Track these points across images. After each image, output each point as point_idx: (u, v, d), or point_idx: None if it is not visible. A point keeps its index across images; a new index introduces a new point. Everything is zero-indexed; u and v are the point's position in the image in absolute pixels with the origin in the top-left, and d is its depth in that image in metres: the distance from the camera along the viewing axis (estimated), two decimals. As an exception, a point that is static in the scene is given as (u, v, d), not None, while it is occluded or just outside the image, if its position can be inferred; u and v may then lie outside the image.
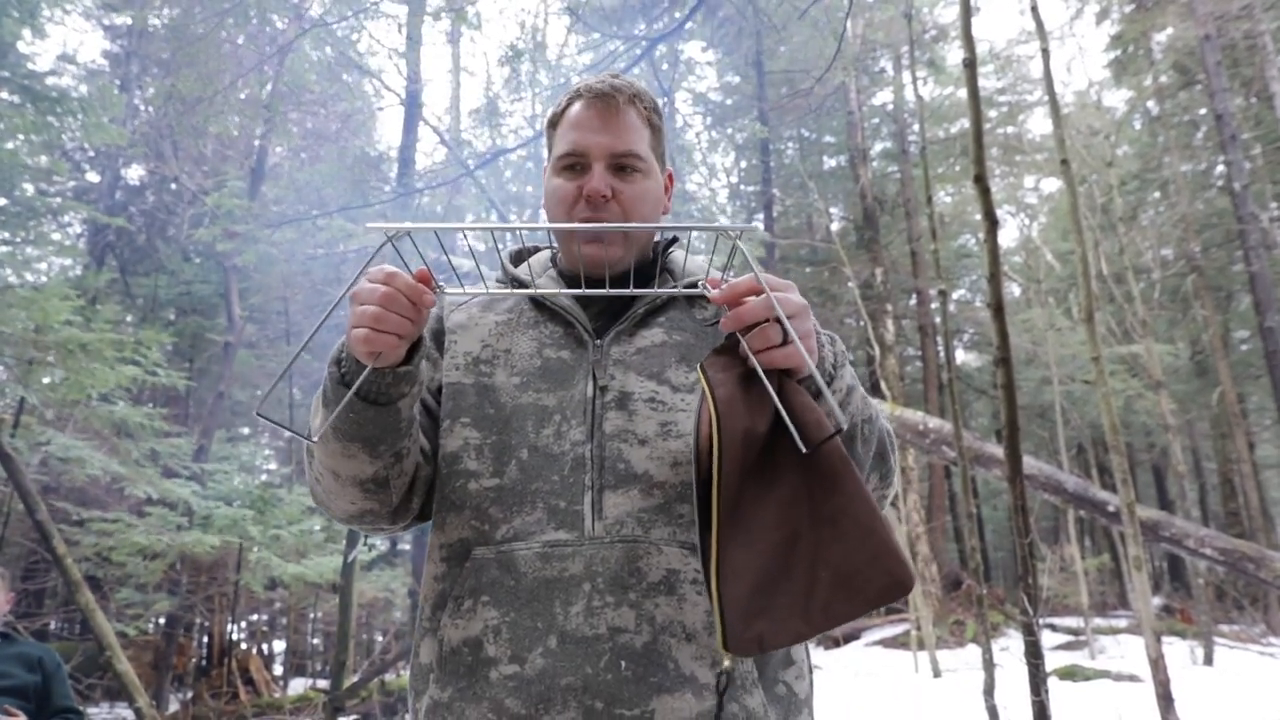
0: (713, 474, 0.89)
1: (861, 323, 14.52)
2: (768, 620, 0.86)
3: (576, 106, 1.18)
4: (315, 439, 1.03)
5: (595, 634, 0.99)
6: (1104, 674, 8.60)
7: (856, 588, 0.86)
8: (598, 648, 0.98)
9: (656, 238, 1.28)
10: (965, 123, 15.39)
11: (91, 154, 13.78)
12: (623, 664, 0.98)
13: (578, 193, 1.15)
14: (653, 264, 1.24)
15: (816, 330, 1.01)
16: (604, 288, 1.19)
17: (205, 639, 14.28)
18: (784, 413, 0.90)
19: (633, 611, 0.99)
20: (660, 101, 1.27)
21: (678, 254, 1.28)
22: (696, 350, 1.14)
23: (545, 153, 1.27)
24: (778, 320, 0.91)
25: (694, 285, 1.22)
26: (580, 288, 1.20)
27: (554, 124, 1.22)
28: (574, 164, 1.16)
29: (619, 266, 1.16)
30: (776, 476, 0.90)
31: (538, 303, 1.19)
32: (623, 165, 1.16)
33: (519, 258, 1.35)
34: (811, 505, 0.89)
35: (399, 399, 1.02)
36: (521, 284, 1.22)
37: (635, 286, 1.20)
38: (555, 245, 1.31)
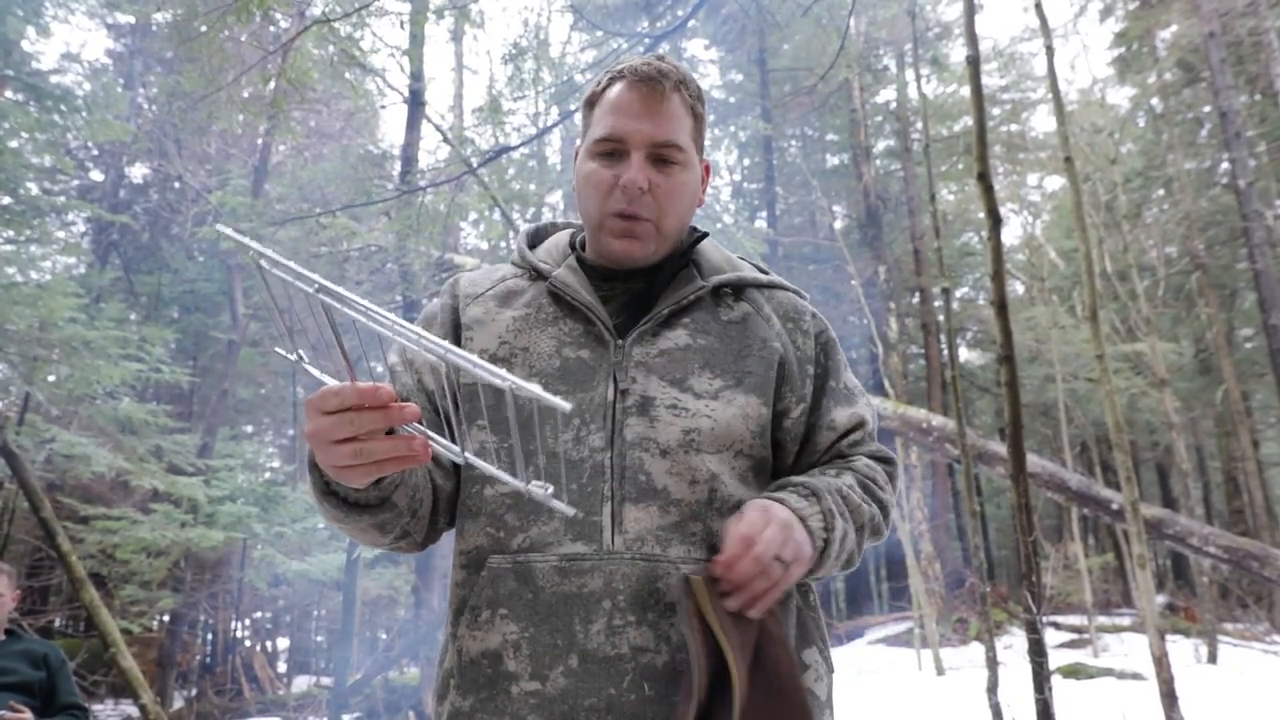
0: None
1: (865, 320, 14.50)
2: None
3: (618, 88, 1.11)
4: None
5: (617, 654, 0.97)
6: (1108, 672, 8.58)
7: None
8: (620, 668, 0.97)
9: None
10: (968, 120, 15.35)
11: (95, 152, 13.81)
12: (646, 685, 0.97)
13: (613, 181, 1.10)
14: (681, 256, 1.19)
15: (817, 513, 1.02)
16: (631, 280, 1.16)
17: (209, 636, 14.33)
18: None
19: (651, 631, 0.98)
20: (705, 106, 1.21)
21: (706, 246, 1.23)
22: (721, 355, 1.10)
23: (580, 130, 1.19)
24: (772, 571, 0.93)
25: (726, 286, 1.19)
26: (605, 279, 1.16)
27: (591, 103, 1.15)
28: (612, 150, 1.10)
29: (650, 260, 1.14)
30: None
31: (557, 297, 1.14)
32: (662, 156, 1.10)
33: (537, 237, 1.28)
34: None
35: (390, 495, 0.98)
36: (541, 273, 1.18)
37: (662, 279, 1.16)
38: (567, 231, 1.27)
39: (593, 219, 1.13)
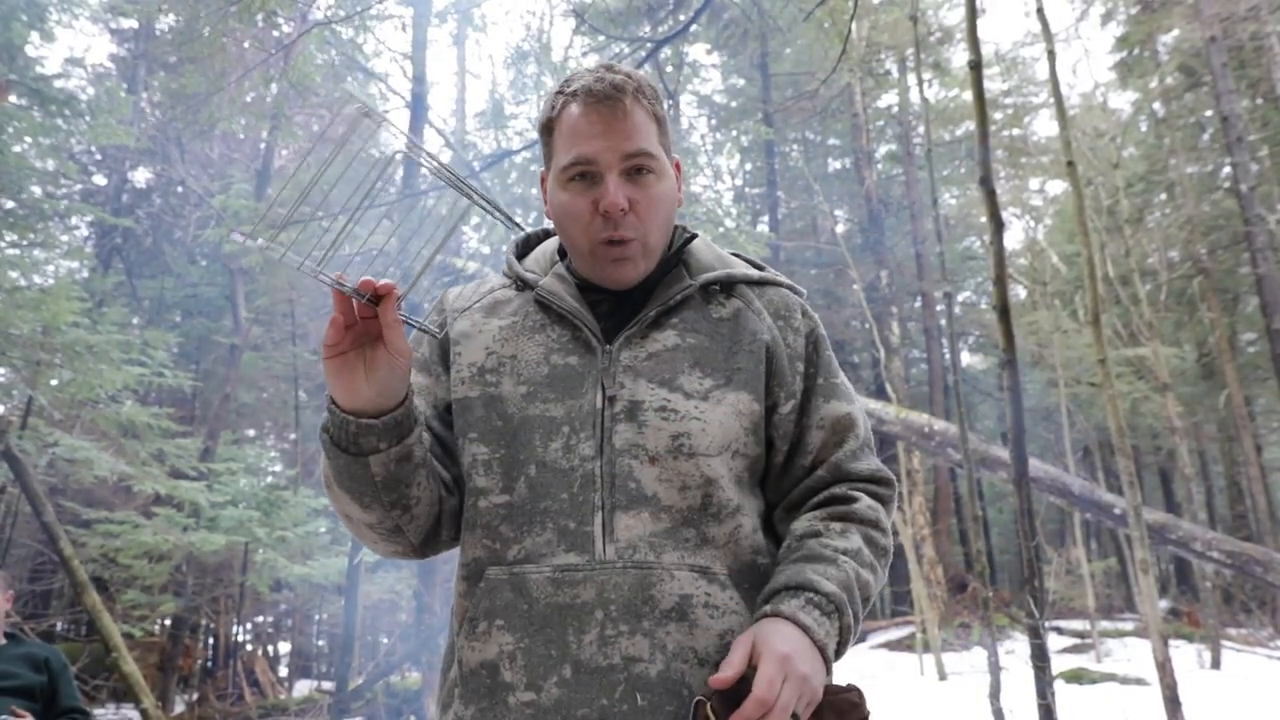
0: None
1: (866, 325, 14.50)
2: None
3: (574, 111, 1.06)
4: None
5: (609, 664, 0.97)
6: (1110, 677, 8.57)
7: None
8: (612, 678, 0.97)
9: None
10: (970, 125, 15.35)
11: (99, 157, 13.84)
12: (638, 695, 0.96)
13: (593, 208, 1.06)
14: (671, 259, 1.17)
15: (835, 632, 1.00)
16: (622, 299, 1.14)
17: (211, 640, 14.31)
18: None
19: (646, 640, 0.98)
20: (665, 105, 1.18)
21: (697, 245, 1.20)
22: (712, 353, 1.08)
23: (544, 159, 1.15)
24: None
25: (715, 284, 1.15)
26: (593, 291, 1.14)
27: (549, 129, 1.11)
28: (584, 173, 1.06)
29: (644, 276, 1.11)
30: None
31: (544, 304, 1.13)
32: (636, 167, 1.06)
33: (526, 246, 1.27)
34: None
35: (369, 453, 1.00)
36: (527, 283, 1.16)
37: (652, 285, 1.14)
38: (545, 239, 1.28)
39: (580, 248, 1.09)
